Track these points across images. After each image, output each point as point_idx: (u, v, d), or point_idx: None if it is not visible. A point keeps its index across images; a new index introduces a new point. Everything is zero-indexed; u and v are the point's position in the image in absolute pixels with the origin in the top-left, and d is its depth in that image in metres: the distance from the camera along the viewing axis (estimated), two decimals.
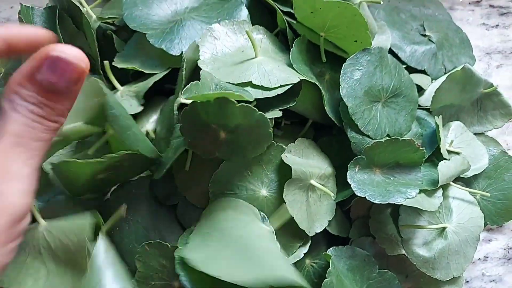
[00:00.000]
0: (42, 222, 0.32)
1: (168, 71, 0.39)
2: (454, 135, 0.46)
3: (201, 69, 0.36)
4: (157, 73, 0.38)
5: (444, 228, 0.41)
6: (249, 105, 0.32)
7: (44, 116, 0.24)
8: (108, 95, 0.32)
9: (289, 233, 0.37)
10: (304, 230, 0.37)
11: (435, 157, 0.43)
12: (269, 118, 0.34)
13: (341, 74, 0.39)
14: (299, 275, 0.30)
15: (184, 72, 0.34)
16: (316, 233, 0.38)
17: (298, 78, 0.37)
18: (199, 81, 0.35)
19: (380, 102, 0.41)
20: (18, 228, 0.24)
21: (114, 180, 0.37)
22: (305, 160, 0.39)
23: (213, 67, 0.37)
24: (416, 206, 0.38)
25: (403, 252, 0.41)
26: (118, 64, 0.39)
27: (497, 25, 0.57)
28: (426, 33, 0.51)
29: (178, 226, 0.39)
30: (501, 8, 0.57)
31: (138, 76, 0.39)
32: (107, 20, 0.42)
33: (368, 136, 0.39)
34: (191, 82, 0.35)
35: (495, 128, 0.49)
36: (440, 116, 0.44)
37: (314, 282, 0.39)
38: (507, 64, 0.55)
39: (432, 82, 0.48)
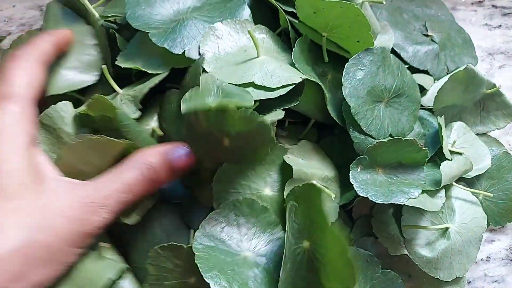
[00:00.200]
0: None
1: (167, 73, 0.38)
2: (457, 136, 0.46)
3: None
4: (159, 73, 0.38)
5: (446, 229, 0.41)
6: (249, 110, 0.32)
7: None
8: (117, 109, 0.34)
9: None
10: None
11: (438, 157, 0.43)
12: (271, 120, 0.34)
13: (343, 74, 0.39)
14: None
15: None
16: None
17: (301, 77, 0.37)
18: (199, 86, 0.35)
19: (382, 102, 0.41)
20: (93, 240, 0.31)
21: None
22: (308, 161, 0.39)
23: (215, 67, 0.37)
24: (418, 207, 0.38)
25: (406, 252, 0.41)
26: (121, 63, 0.38)
27: (500, 25, 0.56)
28: (429, 33, 0.51)
29: (183, 225, 0.39)
30: (504, 9, 0.57)
31: (141, 76, 0.39)
32: (109, 19, 0.41)
33: (371, 136, 0.39)
34: (191, 89, 0.34)
35: (497, 129, 0.49)
36: (443, 116, 0.44)
37: None
38: (509, 65, 0.55)
39: (434, 82, 0.48)
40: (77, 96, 0.40)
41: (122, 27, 0.42)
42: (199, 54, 0.38)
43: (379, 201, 0.37)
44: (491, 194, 0.45)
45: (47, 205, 0.29)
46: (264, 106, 0.35)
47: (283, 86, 0.36)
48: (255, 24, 0.40)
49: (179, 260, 0.35)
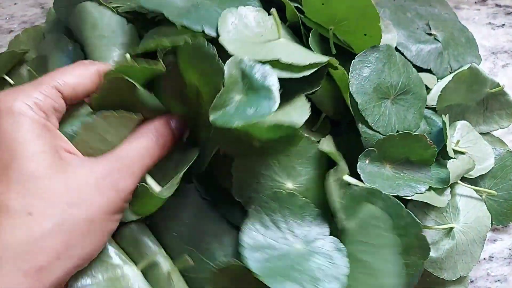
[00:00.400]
0: None
1: None
2: (460, 135, 0.45)
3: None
4: None
5: (451, 228, 0.41)
6: (277, 123, 0.31)
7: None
8: (137, 87, 0.35)
9: None
10: None
11: (441, 156, 0.43)
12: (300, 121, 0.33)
13: (350, 70, 0.39)
14: None
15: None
16: None
17: (327, 59, 0.35)
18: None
19: (389, 99, 0.41)
20: (126, 204, 0.33)
21: None
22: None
23: (236, 46, 0.35)
24: (425, 201, 0.37)
25: None
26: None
27: (503, 24, 0.57)
28: (432, 32, 0.50)
29: (224, 224, 0.37)
30: (507, 8, 0.57)
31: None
32: (122, 11, 0.41)
33: (379, 133, 0.39)
34: (217, 96, 0.32)
35: (501, 128, 0.49)
36: (447, 115, 0.44)
37: None
38: None
39: (437, 81, 0.48)
40: None
41: (135, 19, 0.42)
42: (217, 33, 0.36)
43: (386, 193, 0.36)
44: (495, 192, 0.45)
45: (76, 180, 0.30)
46: (286, 90, 0.33)
47: (310, 66, 0.34)
48: None
49: (240, 280, 0.34)
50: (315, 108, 0.40)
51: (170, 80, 0.37)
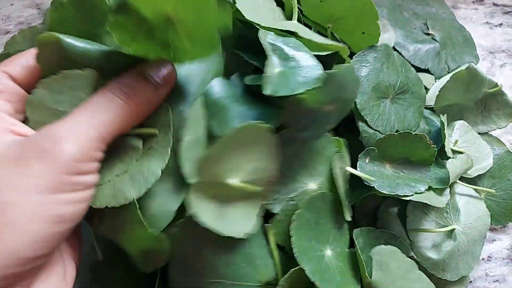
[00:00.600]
0: None
1: None
2: (459, 135, 0.45)
3: None
4: None
5: (452, 230, 0.41)
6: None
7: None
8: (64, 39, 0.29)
9: None
10: None
11: (439, 156, 0.43)
12: None
13: None
14: None
15: None
16: None
17: (342, 44, 0.34)
18: None
19: (388, 99, 0.40)
20: (75, 179, 0.26)
21: None
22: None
23: (253, 14, 0.32)
24: (425, 202, 0.37)
25: (412, 254, 0.40)
26: None
27: (501, 24, 0.56)
28: (430, 32, 0.50)
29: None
30: (505, 7, 0.57)
31: None
32: None
33: (378, 132, 0.39)
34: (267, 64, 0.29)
35: (499, 128, 0.49)
36: (445, 115, 0.43)
37: None
38: (510, 63, 0.55)
39: (435, 81, 0.48)
40: None
41: None
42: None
43: (385, 192, 0.36)
44: (494, 191, 0.45)
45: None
46: None
47: (326, 46, 0.33)
48: None
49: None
50: None
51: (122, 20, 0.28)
